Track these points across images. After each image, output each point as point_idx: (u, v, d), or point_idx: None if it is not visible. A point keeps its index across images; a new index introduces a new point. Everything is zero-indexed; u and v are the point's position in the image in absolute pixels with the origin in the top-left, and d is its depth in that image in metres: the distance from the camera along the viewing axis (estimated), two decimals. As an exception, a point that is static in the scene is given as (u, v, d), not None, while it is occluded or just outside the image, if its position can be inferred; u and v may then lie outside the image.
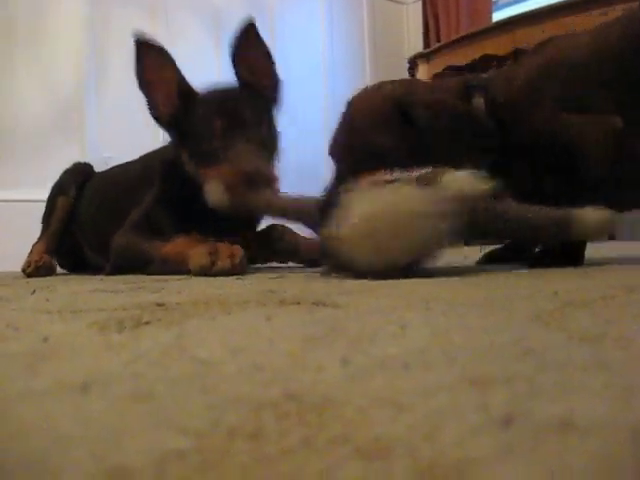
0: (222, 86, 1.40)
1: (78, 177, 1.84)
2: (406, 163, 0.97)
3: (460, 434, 0.21)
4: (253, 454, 0.22)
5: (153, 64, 1.36)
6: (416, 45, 3.89)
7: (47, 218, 1.83)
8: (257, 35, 1.41)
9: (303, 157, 3.46)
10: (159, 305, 0.63)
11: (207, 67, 3.15)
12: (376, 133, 1.07)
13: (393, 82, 1.15)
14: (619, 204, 1.12)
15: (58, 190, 1.83)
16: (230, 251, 1.15)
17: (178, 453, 0.21)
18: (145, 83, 1.36)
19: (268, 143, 1.38)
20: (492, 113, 1.10)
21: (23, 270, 1.67)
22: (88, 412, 0.26)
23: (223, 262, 1.13)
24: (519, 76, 1.13)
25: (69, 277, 1.57)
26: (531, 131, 1.09)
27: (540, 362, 0.30)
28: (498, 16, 2.95)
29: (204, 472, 0.21)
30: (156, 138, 1.66)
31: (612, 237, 2.49)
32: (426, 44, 3.82)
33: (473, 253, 1.42)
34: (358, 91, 1.16)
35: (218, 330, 0.47)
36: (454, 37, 2.79)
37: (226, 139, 1.29)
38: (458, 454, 0.19)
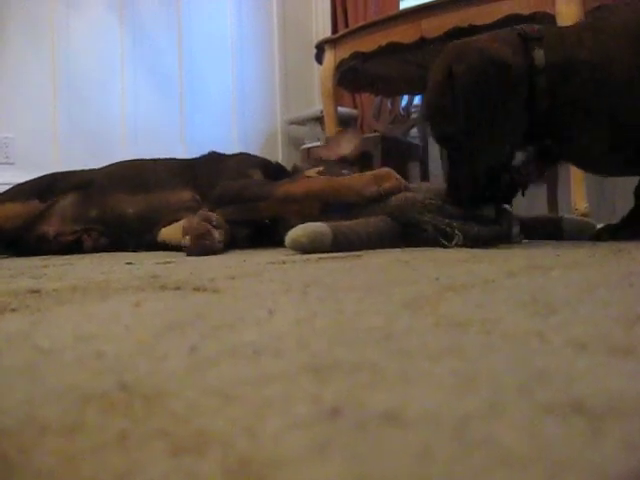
0: None
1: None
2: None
3: (281, 427, 0.19)
4: (62, 452, 0.20)
5: None
6: (325, 30, 3.88)
7: None
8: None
9: (210, 132, 3.43)
10: (34, 292, 0.60)
11: (109, 43, 3.06)
12: (439, 96, 1.07)
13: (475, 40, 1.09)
14: None
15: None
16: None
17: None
18: None
19: None
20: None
21: None
22: None
23: (391, 182, 1.17)
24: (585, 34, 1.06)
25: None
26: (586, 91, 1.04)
27: (393, 349, 0.29)
28: (405, 4, 2.98)
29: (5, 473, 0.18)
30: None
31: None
32: (334, 30, 3.81)
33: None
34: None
35: (79, 318, 0.45)
36: (361, 24, 2.79)
37: None
38: (272, 451, 0.18)
